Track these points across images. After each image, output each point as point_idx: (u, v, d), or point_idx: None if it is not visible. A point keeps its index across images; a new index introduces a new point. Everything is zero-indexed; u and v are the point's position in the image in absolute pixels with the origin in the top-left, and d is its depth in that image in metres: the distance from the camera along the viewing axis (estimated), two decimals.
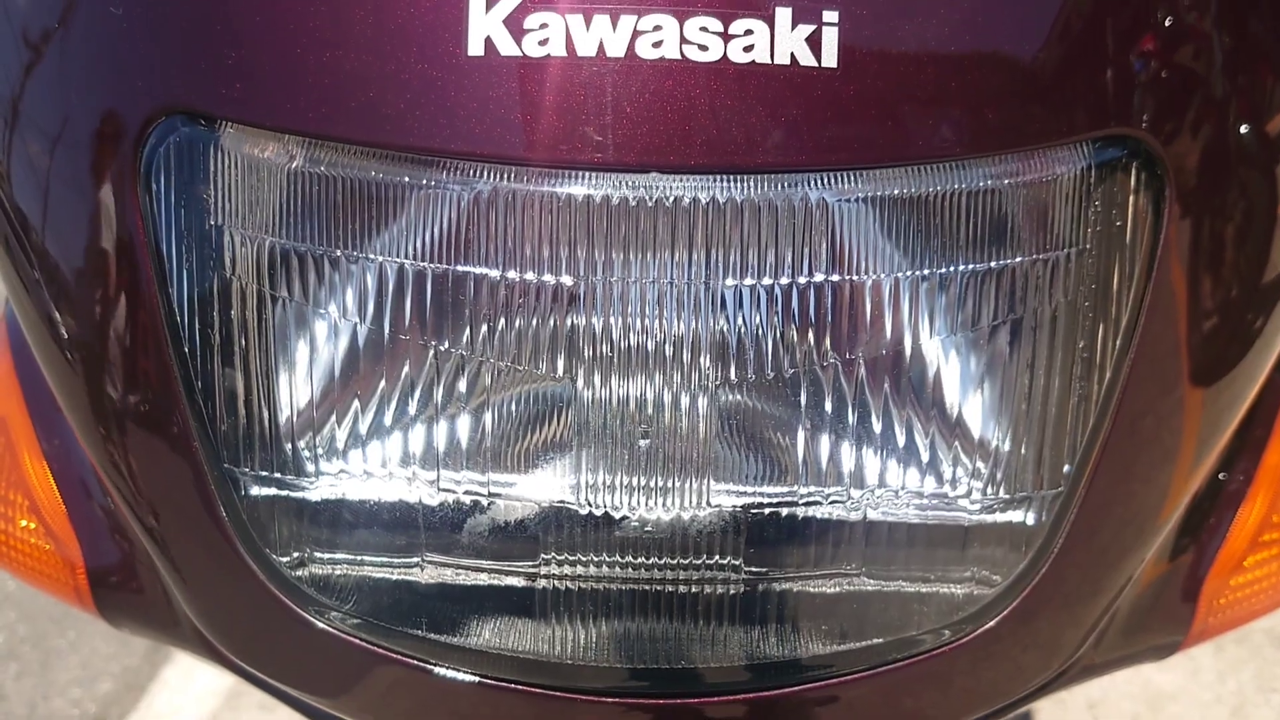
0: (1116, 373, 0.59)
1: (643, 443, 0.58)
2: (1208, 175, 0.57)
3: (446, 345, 0.56)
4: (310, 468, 0.60)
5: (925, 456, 0.60)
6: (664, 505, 0.59)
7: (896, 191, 0.54)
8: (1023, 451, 0.60)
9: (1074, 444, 0.60)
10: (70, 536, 0.79)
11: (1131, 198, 0.56)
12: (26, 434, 0.82)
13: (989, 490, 0.60)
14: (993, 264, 0.56)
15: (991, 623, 0.63)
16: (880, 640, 0.63)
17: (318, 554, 0.62)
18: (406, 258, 0.55)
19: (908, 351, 0.58)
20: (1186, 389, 0.61)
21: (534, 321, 0.55)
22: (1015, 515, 0.61)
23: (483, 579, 0.62)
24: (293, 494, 0.61)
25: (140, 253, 0.57)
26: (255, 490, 0.61)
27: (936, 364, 0.59)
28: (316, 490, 0.61)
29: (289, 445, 0.60)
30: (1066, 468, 0.61)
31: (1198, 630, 0.83)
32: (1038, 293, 0.57)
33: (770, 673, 0.63)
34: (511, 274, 0.54)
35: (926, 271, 0.56)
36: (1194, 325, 0.60)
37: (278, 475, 0.60)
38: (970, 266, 0.56)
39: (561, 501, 0.59)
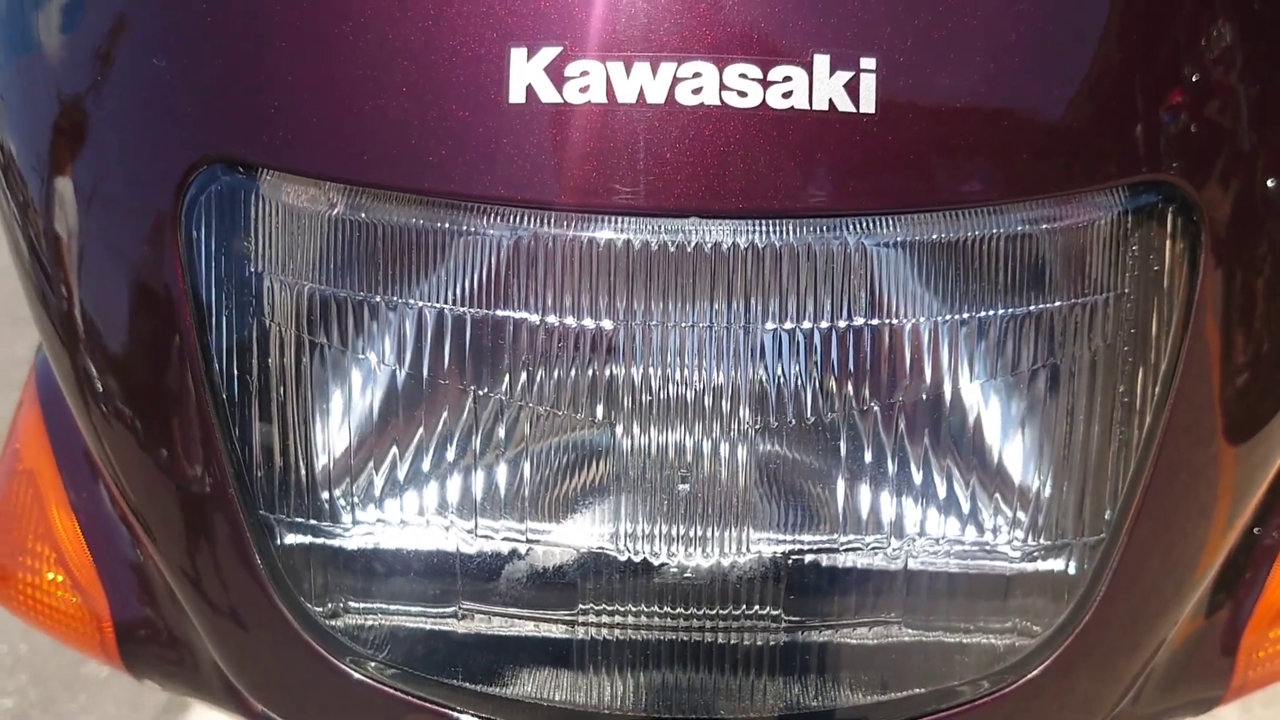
0: (1157, 418, 0.59)
1: (682, 488, 0.57)
2: (1242, 221, 0.57)
3: (485, 390, 0.56)
4: (346, 516, 0.60)
5: (965, 504, 0.59)
6: (703, 553, 0.58)
7: (933, 236, 0.54)
8: (1064, 498, 0.59)
9: (1115, 490, 0.60)
10: (97, 589, 0.79)
11: (1168, 243, 0.56)
12: (55, 487, 0.82)
13: (1030, 538, 0.60)
14: (1031, 308, 0.56)
15: (1032, 674, 0.62)
16: (919, 691, 0.62)
17: (353, 603, 0.62)
18: (446, 303, 0.55)
19: (947, 397, 0.57)
20: (1224, 435, 0.61)
21: (573, 367, 0.55)
22: (1056, 563, 0.61)
23: (520, 628, 0.61)
24: (329, 542, 0.61)
25: (179, 300, 0.57)
26: (290, 539, 0.61)
27: (976, 410, 0.58)
28: (352, 538, 0.61)
29: (325, 493, 0.59)
30: (1108, 514, 0.60)
31: (1237, 684, 0.82)
32: (1077, 337, 0.57)
33: None
34: (550, 319, 0.55)
35: (964, 316, 0.56)
36: (1231, 369, 0.60)
37: (314, 523, 0.60)
38: (1008, 310, 0.56)
39: (600, 549, 0.59)
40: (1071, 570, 0.61)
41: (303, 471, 0.59)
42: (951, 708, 0.62)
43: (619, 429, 0.56)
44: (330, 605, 0.62)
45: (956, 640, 0.62)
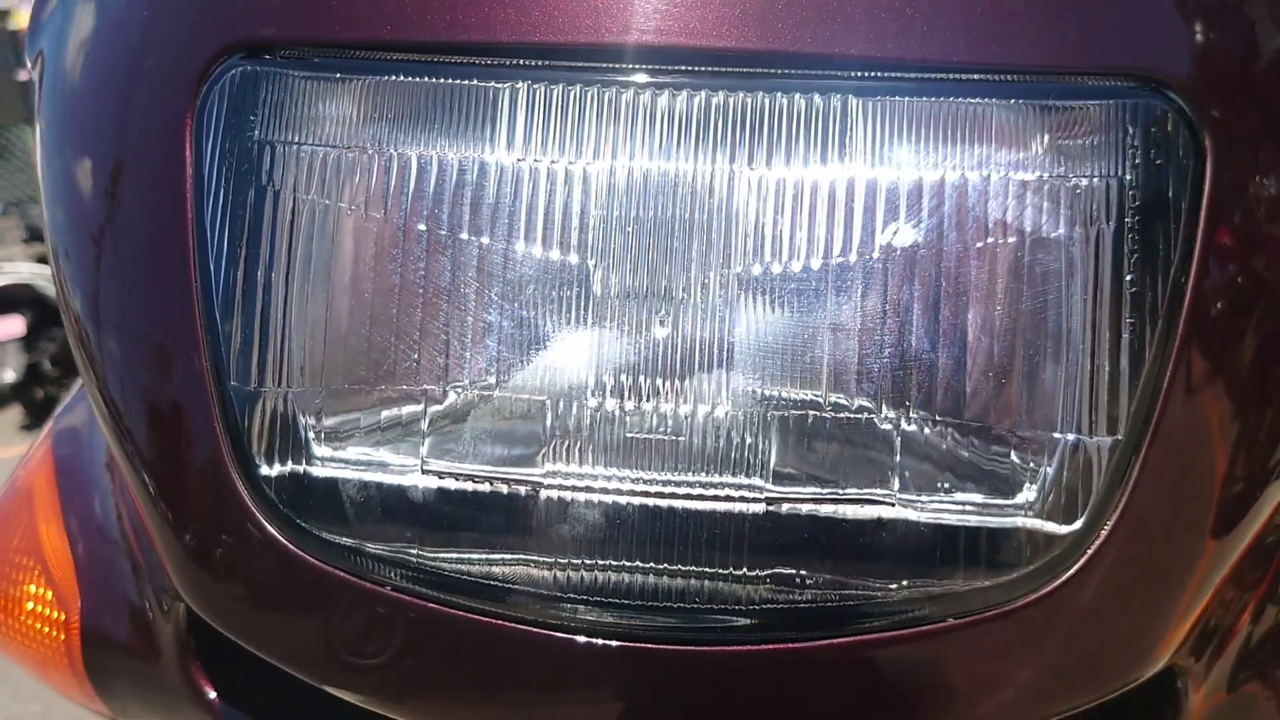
0: (1171, 321, 0.55)
1: (660, 330, 0.55)
2: (1247, 132, 0.56)
3: (468, 235, 0.56)
4: (317, 378, 0.58)
5: (962, 380, 0.55)
6: (680, 401, 0.55)
7: (918, 96, 0.55)
8: (1069, 386, 0.56)
9: (1131, 389, 0.56)
10: (72, 591, 0.76)
11: (1168, 141, 0.55)
12: (51, 505, 0.81)
13: (1034, 426, 0.56)
14: (1023, 175, 0.55)
15: (1057, 581, 0.55)
16: (923, 593, 0.56)
17: (315, 471, 0.58)
18: (433, 149, 0.56)
19: (939, 263, 0.55)
20: (1246, 348, 0.58)
21: (560, 206, 0.55)
22: (1067, 459, 0.56)
23: (483, 488, 0.57)
24: (295, 408, 0.58)
25: (181, 174, 0.58)
26: (257, 408, 0.58)
27: (975, 282, 0.56)
28: (320, 400, 0.58)
29: (301, 354, 0.58)
30: (1124, 416, 0.56)
31: None
32: (1073, 212, 0.55)
33: (784, 621, 0.56)
34: (539, 160, 0.55)
35: (951, 173, 0.55)
36: (1246, 282, 0.57)
37: (283, 389, 0.58)
38: (1002, 174, 0.55)
39: (570, 394, 0.56)
40: (1086, 470, 0.56)
41: (278, 334, 0.58)
42: (954, 619, 0.56)
43: (598, 268, 0.55)
44: (290, 474, 0.58)
45: (958, 535, 0.56)
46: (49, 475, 0.83)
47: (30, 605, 0.76)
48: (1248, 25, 0.57)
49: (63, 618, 0.75)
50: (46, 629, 0.75)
